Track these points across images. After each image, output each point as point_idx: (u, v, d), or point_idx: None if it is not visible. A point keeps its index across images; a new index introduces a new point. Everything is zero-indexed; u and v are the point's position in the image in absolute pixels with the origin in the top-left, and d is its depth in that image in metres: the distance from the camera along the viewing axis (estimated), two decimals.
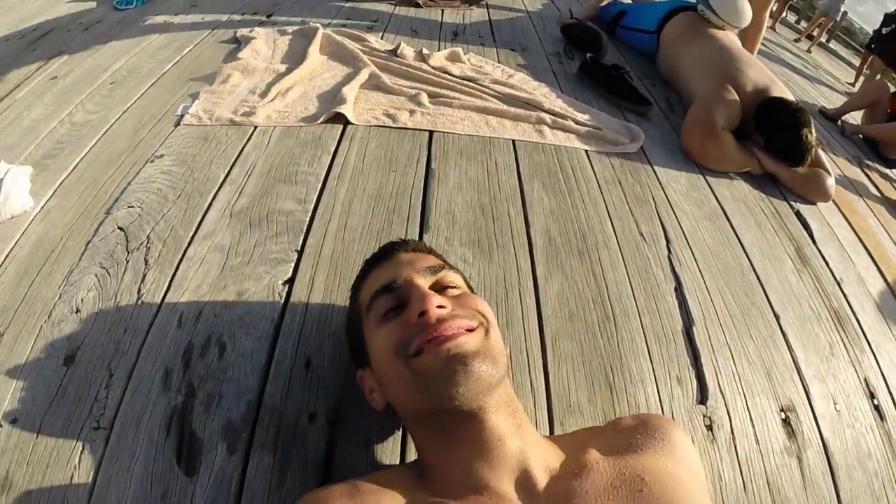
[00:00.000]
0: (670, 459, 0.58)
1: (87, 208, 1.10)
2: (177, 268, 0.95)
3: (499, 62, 1.90)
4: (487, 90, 1.55)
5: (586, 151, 1.50)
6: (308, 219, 1.07)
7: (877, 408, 1.06)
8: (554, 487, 0.53)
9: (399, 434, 0.76)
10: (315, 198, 1.12)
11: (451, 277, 0.66)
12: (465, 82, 1.57)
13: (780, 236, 1.46)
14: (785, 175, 1.71)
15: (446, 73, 1.61)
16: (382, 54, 1.66)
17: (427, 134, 1.36)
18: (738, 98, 1.75)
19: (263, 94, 1.41)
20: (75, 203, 1.13)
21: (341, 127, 1.34)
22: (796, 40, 7.58)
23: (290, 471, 0.70)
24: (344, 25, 1.97)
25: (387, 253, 0.71)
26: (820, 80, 5.01)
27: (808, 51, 7.17)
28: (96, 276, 0.94)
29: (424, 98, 1.44)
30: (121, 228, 1.04)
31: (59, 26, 2.23)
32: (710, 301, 1.13)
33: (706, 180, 1.59)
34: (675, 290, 1.12)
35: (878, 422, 1.02)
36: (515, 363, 0.89)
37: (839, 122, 3.12)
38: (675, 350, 0.99)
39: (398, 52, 1.69)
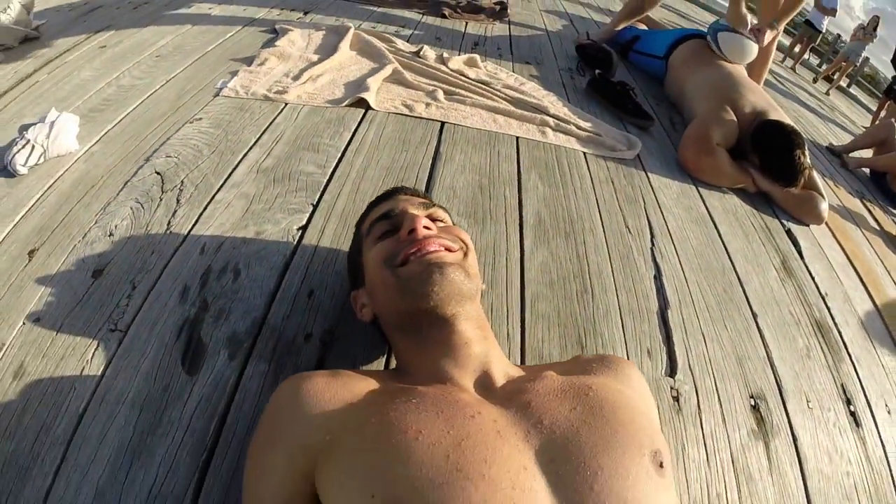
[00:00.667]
0: (620, 383, 0.65)
1: (128, 155, 1.23)
2: (205, 208, 1.06)
3: (513, 71, 2.02)
4: (499, 93, 1.67)
5: (584, 153, 1.60)
6: (325, 180, 1.18)
7: (852, 413, 1.09)
8: (508, 386, 0.61)
9: (383, 359, 0.84)
10: (334, 165, 1.24)
11: (440, 213, 0.77)
12: (479, 84, 1.69)
13: (767, 247, 1.52)
14: (778, 194, 1.77)
15: (463, 75, 1.74)
16: (406, 54, 1.80)
17: (439, 124, 1.48)
18: (735, 119, 1.84)
19: (296, 78, 1.54)
20: (117, 150, 1.25)
21: (363, 111, 1.46)
22: (814, 80, 7.66)
23: (281, 377, 0.78)
24: (373, 27, 2.11)
25: (388, 193, 0.83)
26: (834, 120, 5.05)
27: (827, 93, 7.21)
28: (131, 208, 1.06)
29: (440, 94, 1.56)
30: (158, 173, 1.16)
31: (108, 3, 2.39)
32: (687, 290, 1.20)
33: (698, 190, 1.67)
34: (655, 277, 1.20)
35: (853, 427, 1.05)
36: (495, 315, 0.97)
37: (843, 157, 3.17)
38: (647, 327, 1.07)
39: (420, 53, 1.83)
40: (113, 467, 0.67)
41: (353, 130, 1.38)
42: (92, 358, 0.79)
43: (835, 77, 7.91)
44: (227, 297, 0.87)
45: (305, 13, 2.22)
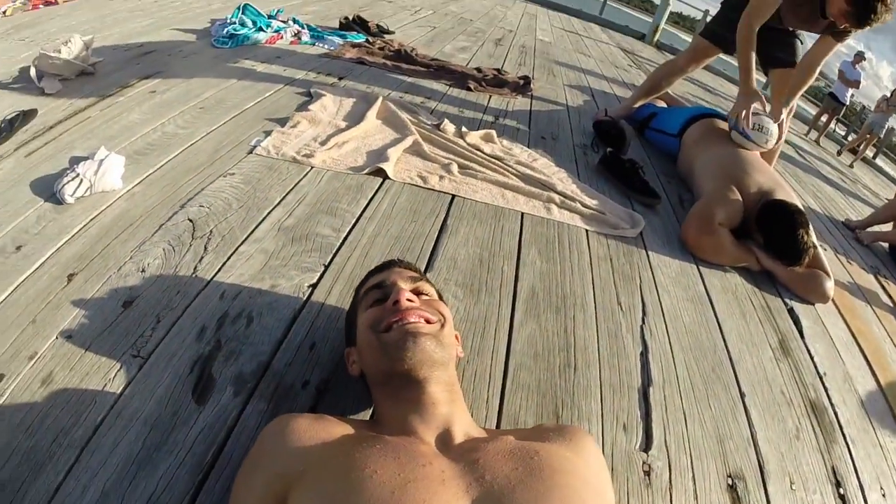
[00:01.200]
0: (569, 451, 0.76)
1: (166, 199, 1.44)
2: (228, 258, 1.24)
3: (528, 146, 2.22)
4: (510, 169, 1.87)
5: (587, 231, 1.75)
6: (338, 244, 1.36)
7: (842, 496, 1.13)
8: (465, 444, 0.74)
9: (369, 411, 0.97)
10: (348, 230, 1.42)
11: (427, 287, 0.93)
12: (492, 160, 1.89)
13: (765, 327, 1.61)
14: (782, 273, 1.87)
15: (478, 150, 1.94)
16: (428, 126, 2.02)
17: (450, 197, 1.66)
18: (740, 198, 1.96)
19: (323, 143, 1.76)
20: (156, 193, 1.46)
21: (381, 180, 1.66)
22: (839, 153, 7.86)
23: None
24: (401, 97, 2.36)
25: (384, 265, 0.99)
26: (856, 194, 5.14)
27: (851, 165, 7.40)
28: (164, 249, 1.24)
29: (455, 168, 1.76)
30: (190, 220, 1.36)
31: (161, 49, 2.75)
32: (673, 368, 1.30)
33: (698, 269, 1.78)
34: (641, 354, 1.31)
35: None
36: (477, 381, 1.09)
37: (857, 232, 3.22)
38: (627, 403, 1.16)
39: (441, 126, 2.05)
40: (119, 475, 0.80)
41: (369, 198, 1.56)
42: (114, 377, 0.95)
43: (859, 149, 8.12)
44: (238, 340, 1.03)
45: (340, 78, 2.50)
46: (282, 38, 2.89)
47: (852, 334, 1.84)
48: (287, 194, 1.53)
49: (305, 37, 2.97)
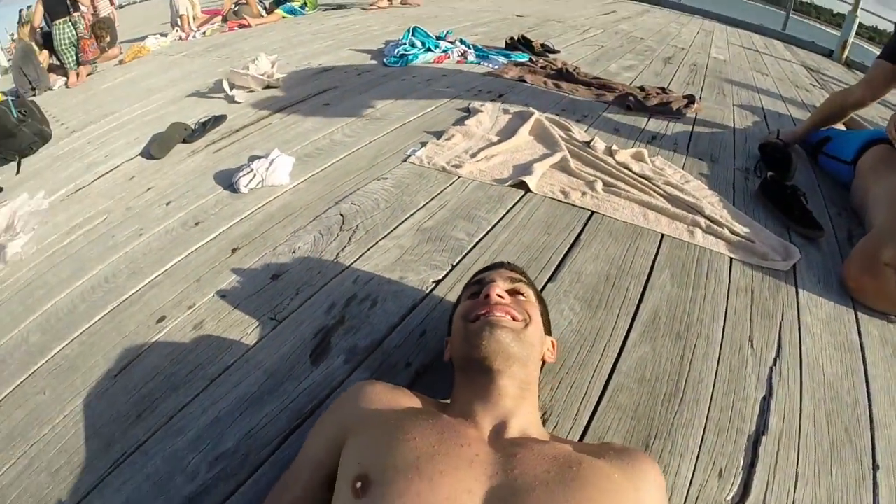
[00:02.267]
0: (620, 473, 0.77)
1: (324, 196, 1.75)
2: (368, 249, 1.49)
3: (683, 168, 2.18)
4: (657, 189, 1.86)
5: (731, 259, 1.69)
6: (469, 248, 1.52)
7: None
8: (515, 440, 0.81)
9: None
10: (481, 235, 1.57)
11: (525, 289, 1.02)
12: (640, 179, 1.90)
13: None
14: None
15: (627, 168, 1.97)
16: (578, 143, 2.11)
17: (588, 213, 1.73)
18: None
19: (473, 155, 1.97)
20: (317, 190, 1.79)
21: (522, 192, 1.79)
22: None
23: None
24: (558, 115, 2.48)
25: (492, 266, 1.11)
26: None
27: None
28: (314, 237, 1.54)
29: (599, 185, 1.82)
30: (341, 215, 1.65)
31: (338, 67, 3.29)
32: (797, 420, 1.19)
33: (856, 314, 1.61)
34: (763, 398, 1.22)
35: None
36: (571, 393, 1.14)
37: None
38: (731, 448, 1.10)
39: (591, 143, 2.12)
40: (233, 407, 1.04)
41: (508, 208, 1.71)
42: (251, 332, 1.23)
43: None
44: (360, 318, 1.24)
45: (500, 96, 2.73)
46: (449, 57, 3.25)
47: None
48: (431, 199, 1.74)
49: (471, 56, 3.29)
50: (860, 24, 8.16)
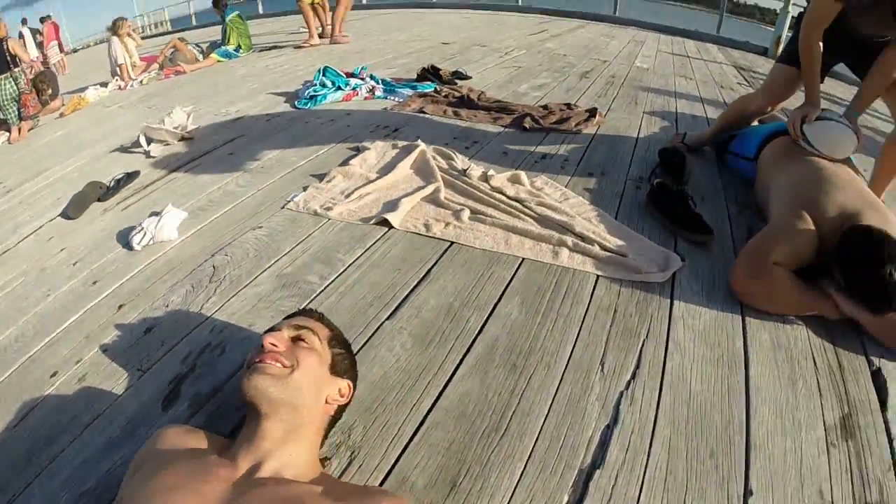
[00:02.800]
0: None
1: (204, 249, 1.92)
2: (229, 299, 1.64)
3: (568, 184, 2.31)
4: (528, 211, 1.98)
5: (597, 277, 1.72)
6: (319, 291, 1.65)
7: None
8: (258, 480, 0.93)
9: None
10: (334, 277, 1.71)
11: (308, 336, 1.14)
12: (512, 203, 2.02)
13: (824, 397, 1.37)
14: (869, 322, 1.57)
15: (501, 193, 2.10)
16: (453, 173, 2.26)
17: (448, 244, 1.86)
18: (812, 227, 1.71)
19: (348, 195, 2.14)
20: (200, 243, 1.97)
21: (385, 230, 1.95)
22: None
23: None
24: (448, 144, 2.62)
25: (293, 313, 1.27)
26: None
27: None
28: (186, 290, 1.71)
29: (465, 214, 1.95)
30: (213, 266, 1.82)
31: (251, 113, 3.46)
32: (646, 449, 1.16)
33: (743, 321, 1.58)
34: (606, 427, 1.21)
35: None
36: (382, 433, 1.19)
37: None
38: (555, 485, 1.09)
39: (467, 171, 2.27)
40: (98, 450, 1.14)
41: (367, 247, 1.86)
42: (121, 382, 1.37)
43: None
44: (208, 366, 1.40)
45: (395, 130, 2.90)
46: (357, 94, 3.44)
47: None
48: (297, 245, 1.90)
49: (379, 91, 3.47)
50: (793, 18, 8.40)
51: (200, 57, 5.83)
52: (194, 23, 12.66)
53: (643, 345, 1.47)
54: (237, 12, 6.16)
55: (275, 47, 6.17)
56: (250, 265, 1.80)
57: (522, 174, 2.27)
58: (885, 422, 1.32)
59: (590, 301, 1.62)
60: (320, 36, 6.19)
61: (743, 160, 2.50)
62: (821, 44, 2.20)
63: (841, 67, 2.57)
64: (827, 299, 1.63)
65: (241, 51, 5.84)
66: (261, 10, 11.09)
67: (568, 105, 3.30)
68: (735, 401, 1.31)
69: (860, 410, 1.35)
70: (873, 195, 1.93)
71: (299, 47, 5.89)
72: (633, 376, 1.36)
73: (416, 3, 10.16)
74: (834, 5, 2.04)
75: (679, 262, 1.79)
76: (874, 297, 1.54)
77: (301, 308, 1.37)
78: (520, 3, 10.23)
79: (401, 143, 2.61)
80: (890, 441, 1.26)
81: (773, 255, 1.65)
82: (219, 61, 5.62)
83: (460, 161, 2.41)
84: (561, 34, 6.76)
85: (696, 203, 2.11)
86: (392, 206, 2.04)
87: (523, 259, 1.80)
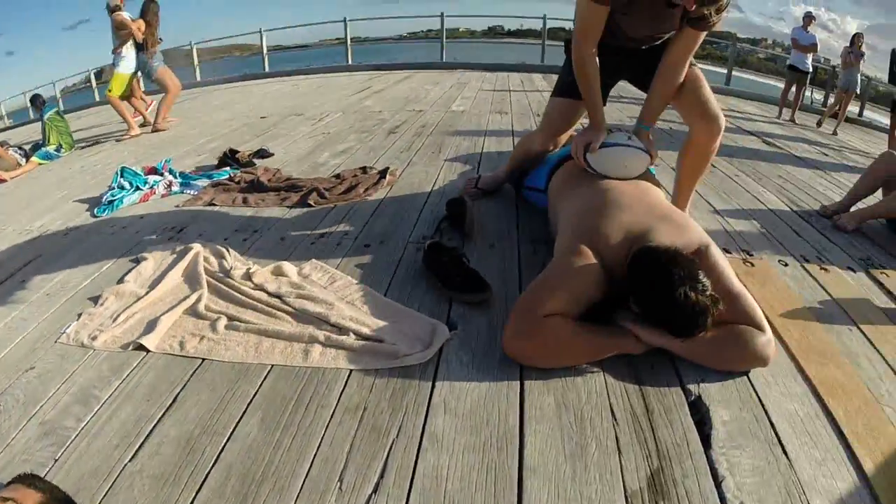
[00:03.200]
0: None
1: None
2: None
3: (341, 262, 2.18)
4: (285, 307, 1.86)
5: (350, 372, 1.52)
6: (73, 436, 1.39)
7: None
8: None
9: None
10: (88, 418, 1.47)
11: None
12: (272, 300, 1.91)
13: (625, 456, 1.20)
14: (681, 349, 1.44)
15: (263, 290, 1.97)
16: (219, 275, 2.10)
17: (198, 362, 1.66)
18: (593, 262, 1.53)
19: (115, 319, 1.90)
20: None
21: (144, 353, 1.75)
22: (818, 124, 7.72)
23: None
24: (226, 239, 2.48)
25: (10, 481, 1.09)
26: (843, 164, 4.89)
27: (834, 133, 7.26)
28: None
29: (221, 323, 1.79)
30: None
31: (52, 227, 3.12)
32: None
33: (522, 387, 1.41)
34: None
35: None
36: None
37: (834, 219, 2.84)
38: None
39: (230, 272, 2.10)
40: None
41: (123, 377, 1.65)
42: None
43: (839, 113, 7.94)
44: None
45: (180, 230, 2.67)
46: (155, 193, 3.24)
47: (820, 401, 1.40)
48: (62, 384, 1.66)
49: (176, 186, 3.29)
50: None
51: (23, 161, 5.28)
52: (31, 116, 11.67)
53: (392, 446, 1.27)
54: (55, 109, 5.70)
55: (97, 142, 5.80)
56: (17, 414, 1.55)
57: (286, 265, 2.13)
58: (710, 462, 1.18)
59: (337, 403, 1.41)
60: (141, 125, 5.89)
61: (536, 192, 2.41)
62: (597, 60, 2.04)
63: None
64: (626, 334, 1.47)
65: (62, 150, 5.39)
66: (97, 98, 10.48)
67: (363, 169, 3.26)
68: (503, 492, 1.12)
69: (675, 459, 1.20)
70: (668, 206, 1.80)
71: (120, 139, 5.59)
72: (376, 489, 1.16)
73: (252, 76, 10.05)
74: (600, 9, 1.89)
75: (446, 334, 1.59)
76: (675, 323, 1.40)
77: (23, 473, 1.16)
78: (349, 63, 10.31)
79: (178, 248, 2.42)
80: (717, 485, 1.12)
81: (544, 308, 1.46)
82: (40, 163, 5.18)
83: (231, 259, 2.25)
84: (384, 89, 6.85)
85: (487, 251, 2.08)
86: (152, 325, 1.84)
87: (272, 366, 1.60)
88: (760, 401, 1.41)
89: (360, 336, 1.66)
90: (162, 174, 3.43)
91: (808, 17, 8.20)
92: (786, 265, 2.36)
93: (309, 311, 1.84)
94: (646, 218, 1.63)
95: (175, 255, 2.40)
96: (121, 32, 5.73)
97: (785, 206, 3.21)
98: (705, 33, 1.94)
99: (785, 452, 1.26)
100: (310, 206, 2.82)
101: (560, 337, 1.45)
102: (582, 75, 2.07)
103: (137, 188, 3.28)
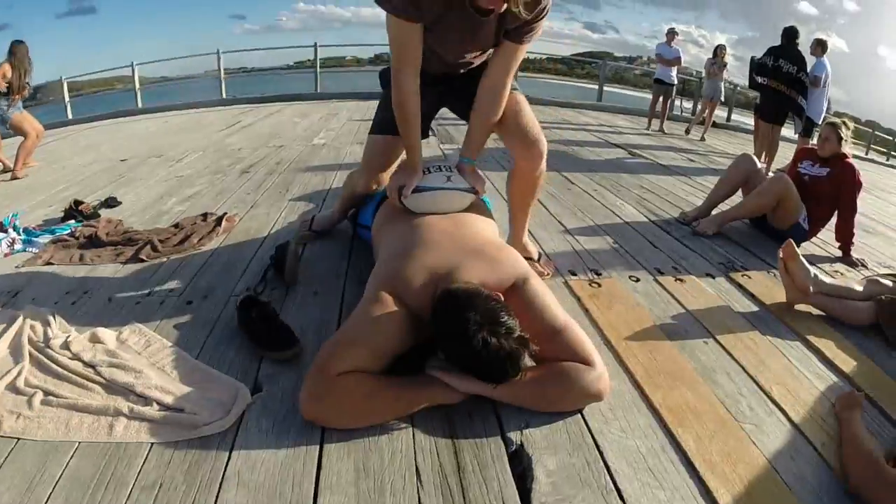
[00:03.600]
0: None
1: None
2: None
3: (158, 326, 1.99)
4: (97, 378, 1.74)
5: (152, 445, 1.37)
6: None
7: None
8: None
9: None
10: None
11: None
12: (86, 370, 1.81)
13: None
14: (500, 393, 1.30)
15: (79, 359, 1.85)
16: (40, 345, 1.95)
17: (14, 442, 1.53)
18: (394, 310, 1.38)
19: None
20: None
21: None
22: (686, 132, 8.43)
23: None
24: (56, 303, 2.31)
25: None
26: (709, 168, 5.07)
27: (702, 139, 7.96)
28: None
29: (37, 399, 1.64)
30: None
31: None
32: None
33: (321, 451, 1.28)
34: None
35: None
36: None
37: (692, 225, 2.91)
38: None
39: (50, 340, 1.96)
40: None
41: None
42: None
43: (706, 120, 8.58)
44: None
45: (16, 294, 2.44)
46: None
47: (667, 431, 1.32)
48: None
49: (18, 244, 3.04)
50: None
51: None
52: None
53: None
54: None
55: None
56: None
57: (102, 331, 1.98)
58: None
59: (135, 481, 1.26)
60: (1, 172, 5.31)
61: (365, 230, 2.26)
62: (418, 93, 1.85)
63: None
64: (437, 384, 1.32)
65: None
66: None
67: (204, 216, 3.10)
68: None
69: None
70: (483, 238, 1.65)
71: None
72: None
73: (124, 112, 9.44)
74: (412, 27, 1.70)
75: (247, 399, 1.46)
76: (480, 371, 1.27)
77: None
78: (223, 97, 9.82)
79: (8, 314, 2.20)
80: None
81: (337, 366, 1.32)
82: None
83: (56, 326, 2.09)
84: (253, 123, 6.60)
85: (310, 298, 1.99)
86: None
87: (79, 443, 1.43)
88: (595, 441, 1.25)
89: (162, 406, 1.51)
90: (6, 231, 3.11)
91: (671, 33, 8.43)
92: (637, 280, 2.27)
93: (118, 382, 1.70)
94: (454, 255, 1.48)
95: (4, 325, 2.18)
96: None
97: (643, 217, 3.14)
98: (526, 47, 1.81)
99: (622, 498, 1.10)
100: (142, 260, 2.58)
101: (356, 397, 1.29)
102: (402, 113, 1.86)
103: None
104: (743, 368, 1.63)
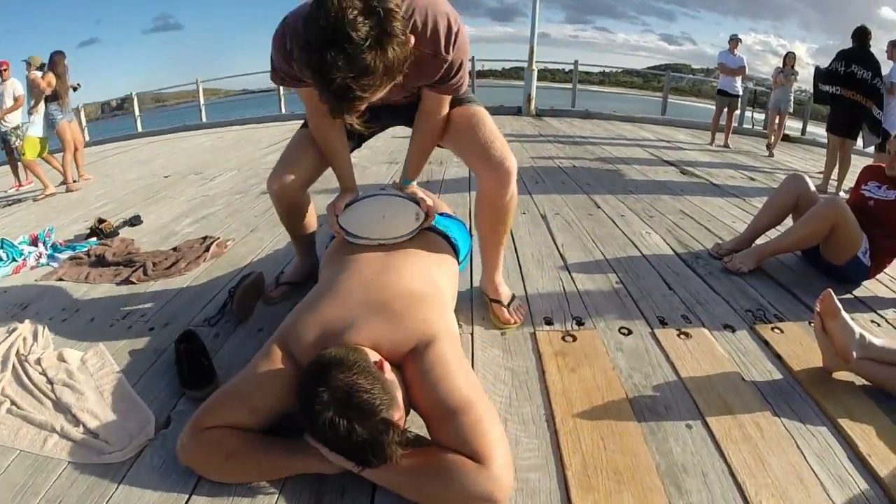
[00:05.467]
0: None
1: None
2: None
3: (117, 352, 2.05)
4: (50, 395, 1.92)
5: (68, 463, 1.44)
6: None
7: None
8: None
9: None
10: None
11: None
12: (46, 386, 1.99)
13: None
14: (370, 475, 1.13)
15: (45, 375, 2.05)
16: (23, 357, 2.18)
17: None
18: (281, 367, 1.26)
19: None
20: None
21: None
22: (767, 147, 7.43)
23: None
24: (51, 319, 2.47)
25: None
26: (771, 188, 4.11)
27: (770, 154, 7.26)
28: None
29: (4, 408, 1.85)
30: None
31: None
32: None
33: (189, 499, 1.23)
34: None
35: None
36: None
37: (725, 262, 2.38)
38: None
39: (29, 355, 2.17)
40: None
41: None
42: None
43: (775, 133, 7.68)
44: None
45: (25, 307, 2.64)
46: (26, 265, 3.25)
47: None
48: None
49: (44, 259, 3.31)
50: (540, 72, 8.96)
51: None
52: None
53: None
54: None
55: (17, 200, 5.63)
56: None
57: (68, 351, 2.16)
58: None
59: (44, 494, 1.35)
60: (62, 183, 5.83)
61: None
62: (340, 127, 1.73)
63: None
64: (311, 452, 1.16)
65: None
66: None
67: (203, 239, 3.25)
68: None
69: None
70: (402, 289, 1.40)
71: (38, 199, 5.56)
72: None
73: (188, 126, 9.88)
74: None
75: (149, 435, 1.48)
76: (340, 453, 1.10)
77: None
78: (282, 112, 9.97)
79: (11, 325, 2.47)
80: None
81: (207, 419, 1.26)
82: None
83: (42, 341, 2.33)
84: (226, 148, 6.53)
85: (254, 335, 1.99)
86: None
87: (20, 451, 1.56)
88: None
89: (86, 429, 1.62)
90: (37, 245, 3.46)
91: (735, 40, 7.73)
92: (627, 334, 1.81)
93: (62, 401, 1.88)
94: (354, 310, 1.30)
95: (4, 336, 2.48)
96: (34, 91, 5.64)
97: (668, 250, 2.62)
98: (447, 94, 1.63)
99: None
100: (132, 283, 2.69)
101: (218, 454, 1.21)
102: (326, 149, 1.74)
103: (13, 259, 3.29)
104: (729, 468, 1.16)
